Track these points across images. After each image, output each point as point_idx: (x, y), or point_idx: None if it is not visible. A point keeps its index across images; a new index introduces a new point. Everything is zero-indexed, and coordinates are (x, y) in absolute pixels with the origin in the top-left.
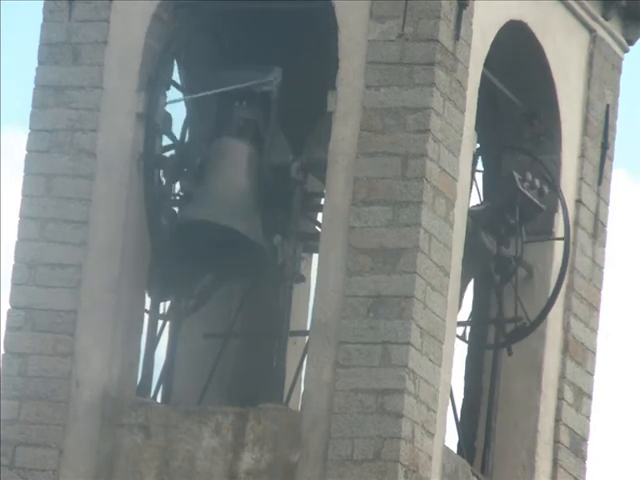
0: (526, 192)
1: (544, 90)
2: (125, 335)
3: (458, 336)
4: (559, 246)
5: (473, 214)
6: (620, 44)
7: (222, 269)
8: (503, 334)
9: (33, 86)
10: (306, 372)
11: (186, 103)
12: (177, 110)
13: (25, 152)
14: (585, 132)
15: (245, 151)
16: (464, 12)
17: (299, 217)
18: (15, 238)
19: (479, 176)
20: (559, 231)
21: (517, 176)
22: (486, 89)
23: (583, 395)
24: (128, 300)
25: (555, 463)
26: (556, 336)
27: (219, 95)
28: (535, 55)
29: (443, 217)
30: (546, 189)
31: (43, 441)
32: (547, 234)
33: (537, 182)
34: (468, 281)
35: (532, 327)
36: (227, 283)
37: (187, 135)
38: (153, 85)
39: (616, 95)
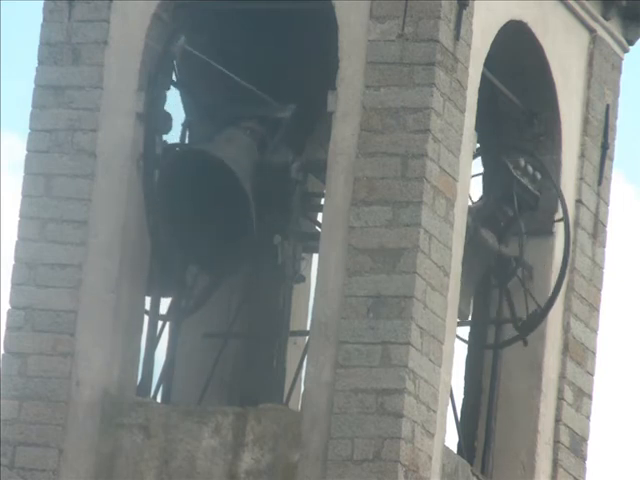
0: (520, 178)
1: (544, 90)
2: (125, 335)
3: (458, 337)
4: (559, 246)
5: (472, 211)
6: (620, 44)
7: (220, 266)
8: (516, 327)
9: (33, 86)
10: (306, 372)
11: (186, 105)
12: (177, 110)
13: (25, 152)
14: (585, 132)
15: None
16: (464, 12)
17: (299, 217)
18: (15, 238)
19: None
20: (559, 231)
21: (509, 164)
22: (486, 89)
23: (583, 395)
24: (128, 300)
25: (555, 463)
26: (556, 336)
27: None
28: (535, 55)
29: (443, 217)
30: (538, 175)
31: (43, 441)
32: (547, 234)
33: (530, 168)
34: (473, 283)
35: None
36: (227, 282)
37: (187, 135)
38: (153, 85)
39: (616, 95)
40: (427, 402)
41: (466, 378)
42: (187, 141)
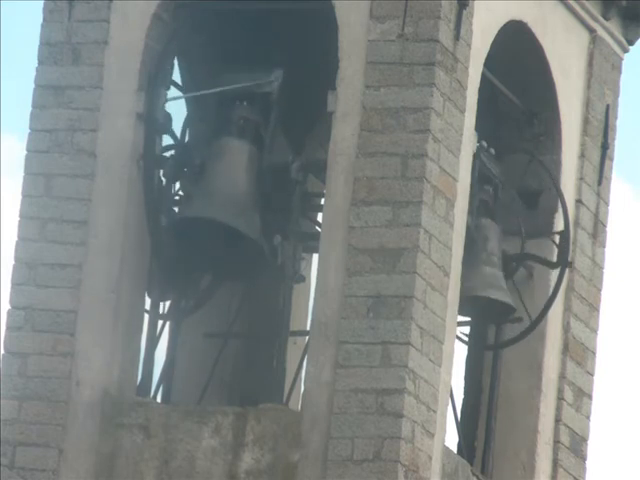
0: (481, 154)
1: (544, 90)
2: (125, 335)
3: (458, 337)
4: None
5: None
6: (620, 44)
7: (222, 268)
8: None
9: (33, 86)
10: (306, 372)
11: (186, 102)
12: (177, 110)
13: (24, 152)
14: (585, 132)
15: (245, 150)
16: (464, 12)
17: (299, 217)
18: (15, 238)
19: None
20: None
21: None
22: (486, 89)
23: (583, 395)
24: (128, 300)
25: (555, 463)
26: (556, 336)
27: (219, 96)
28: (535, 55)
29: (443, 217)
30: (492, 150)
31: (43, 441)
32: (547, 234)
33: (484, 143)
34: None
35: (532, 326)
36: (227, 283)
37: (187, 135)
38: (153, 85)
39: (616, 95)
40: (427, 402)
41: (466, 378)
42: (186, 139)
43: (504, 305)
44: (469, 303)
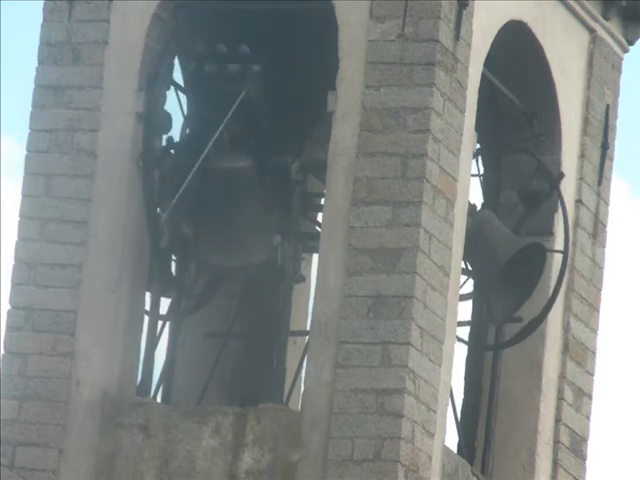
0: None
1: (544, 90)
2: (125, 335)
3: (458, 337)
4: (559, 246)
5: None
6: (620, 44)
7: (222, 268)
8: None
9: (33, 86)
10: (306, 372)
11: (187, 102)
12: (177, 110)
13: (25, 152)
14: (585, 132)
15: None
16: (464, 12)
17: (299, 217)
18: (15, 238)
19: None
20: (559, 231)
21: None
22: (486, 89)
23: (583, 395)
24: (128, 300)
25: (555, 463)
26: (556, 336)
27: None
28: (535, 55)
29: (443, 217)
30: None
31: (43, 441)
32: (547, 234)
33: None
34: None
35: (532, 327)
36: (227, 283)
37: (187, 135)
38: (153, 85)
39: (616, 95)
40: (427, 402)
41: (466, 378)
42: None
43: (534, 248)
44: (508, 269)
